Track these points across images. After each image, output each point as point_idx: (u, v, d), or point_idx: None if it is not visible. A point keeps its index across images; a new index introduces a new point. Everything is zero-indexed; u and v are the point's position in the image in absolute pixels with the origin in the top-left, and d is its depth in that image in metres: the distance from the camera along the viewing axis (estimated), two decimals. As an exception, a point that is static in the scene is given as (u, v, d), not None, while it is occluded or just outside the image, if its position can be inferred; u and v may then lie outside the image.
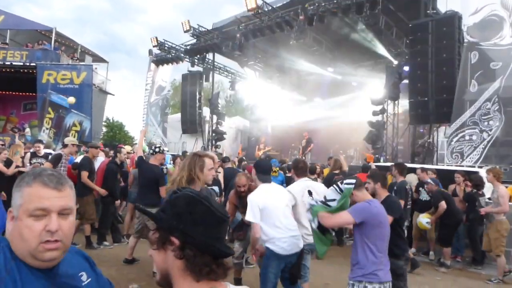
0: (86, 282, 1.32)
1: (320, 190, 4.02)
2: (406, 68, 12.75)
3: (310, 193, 3.82)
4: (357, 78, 16.79)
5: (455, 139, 10.10)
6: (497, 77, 9.64)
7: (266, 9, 13.90)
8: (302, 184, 4.21)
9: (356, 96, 17.54)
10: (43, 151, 7.78)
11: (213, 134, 17.62)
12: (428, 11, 11.50)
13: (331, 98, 18.64)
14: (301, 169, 4.42)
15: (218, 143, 17.45)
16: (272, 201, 3.82)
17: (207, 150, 16.69)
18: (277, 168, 8.51)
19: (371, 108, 13.73)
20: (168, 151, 10.61)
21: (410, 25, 11.66)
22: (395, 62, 14.17)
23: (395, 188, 6.61)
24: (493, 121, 9.57)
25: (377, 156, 12.53)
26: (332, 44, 15.86)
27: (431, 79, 10.75)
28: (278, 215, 3.80)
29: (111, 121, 34.46)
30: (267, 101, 20.92)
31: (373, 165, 9.27)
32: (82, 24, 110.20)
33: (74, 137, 17.88)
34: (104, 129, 32.95)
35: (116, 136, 33.48)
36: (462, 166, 9.49)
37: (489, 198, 6.85)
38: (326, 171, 9.34)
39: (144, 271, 5.40)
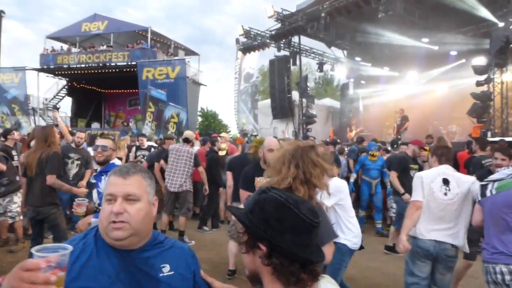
0: (165, 274, 1.40)
1: (463, 181, 3.37)
2: (515, 30, 11.34)
3: (445, 181, 3.34)
4: (456, 47, 15.33)
5: None
6: None
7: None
8: (439, 171, 3.48)
9: (456, 67, 16.10)
10: (146, 143, 8.46)
11: (304, 118, 17.54)
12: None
13: (427, 71, 17.33)
14: (443, 155, 3.60)
15: (309, 126, 17.35)
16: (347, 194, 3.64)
17: (298, 135, 16.72)
18: (377, 152, 7.96)
19: (474, 78, 12.51)
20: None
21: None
22: (501, 24, 12.66)
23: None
24: None
25: (483, 130, 11.42)
26: (425, 12, 14.63)
27: (546, 40, 9.43)
28: (351, 209, 3.64)
29: (205, 110, 36.22)
30: (357, 79, 20.20)
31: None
32: (173, 20, 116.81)
33: (173, 128, 19.19)
34: (200, 119, 34.77)
35: (211, 125, 35.15)
36: None
37: None
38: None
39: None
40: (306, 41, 19.10)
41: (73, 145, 6.44)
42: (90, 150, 7.76)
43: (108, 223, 1.31)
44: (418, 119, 15.46)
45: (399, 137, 13.69)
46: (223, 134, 10.49)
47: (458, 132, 15.48)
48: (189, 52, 25.48)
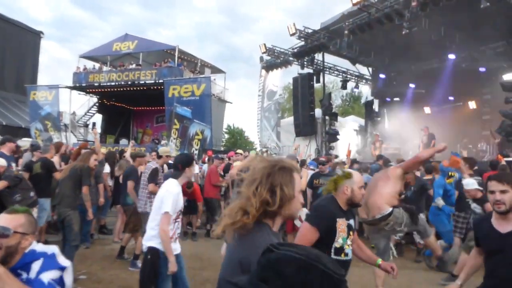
0: None
1: None
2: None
3: None
4: (485, 63, 14.84)
5: None
6: None
7: (374, 0, 13.27)
8: None
9: (484, 84, 15.62)
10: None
11: (327, 135, 17.35)
12: None
13: (455, 88, 16.83)
14: None
15: (331, 144, 17.13)
16: None
17: (321, 153, 16.51)
18: (454, 173, 6.53)
19: (503, 95, 12.07)
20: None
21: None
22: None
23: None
24: None
25: (505, 152, 10.85)
26: (451, 28, 14.26)
27: None
28: None
29: (231, 128, 36.44)
30: (382, 96, 19.88)
31: (503, 161, 8.03)
32: (203, 39, 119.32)
33: (197, 145, 19.36)
34: (226, 136, 34.98)
35: (237, 142, 35.31)
36: None
37: None
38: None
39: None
40: (331, 59, 19.06)
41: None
42: (107, 166, 7.99)
43: None
44: (446, 137, 14.96)
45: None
46: (239, 151, 10.55)
47: (488, 150, 14.87)
48: (216, 70, 25.89)
